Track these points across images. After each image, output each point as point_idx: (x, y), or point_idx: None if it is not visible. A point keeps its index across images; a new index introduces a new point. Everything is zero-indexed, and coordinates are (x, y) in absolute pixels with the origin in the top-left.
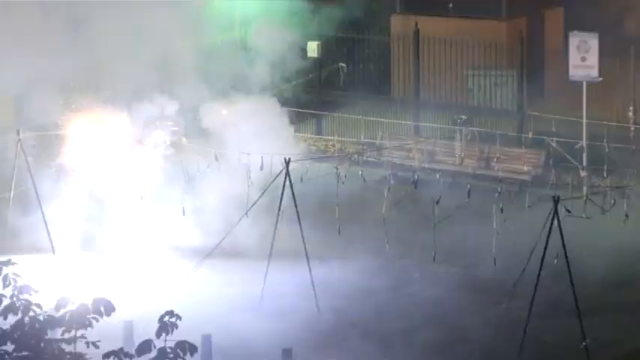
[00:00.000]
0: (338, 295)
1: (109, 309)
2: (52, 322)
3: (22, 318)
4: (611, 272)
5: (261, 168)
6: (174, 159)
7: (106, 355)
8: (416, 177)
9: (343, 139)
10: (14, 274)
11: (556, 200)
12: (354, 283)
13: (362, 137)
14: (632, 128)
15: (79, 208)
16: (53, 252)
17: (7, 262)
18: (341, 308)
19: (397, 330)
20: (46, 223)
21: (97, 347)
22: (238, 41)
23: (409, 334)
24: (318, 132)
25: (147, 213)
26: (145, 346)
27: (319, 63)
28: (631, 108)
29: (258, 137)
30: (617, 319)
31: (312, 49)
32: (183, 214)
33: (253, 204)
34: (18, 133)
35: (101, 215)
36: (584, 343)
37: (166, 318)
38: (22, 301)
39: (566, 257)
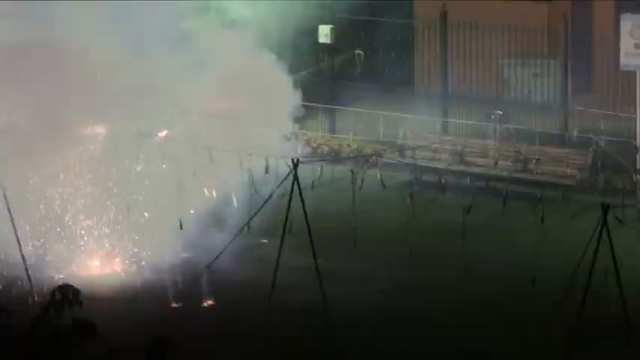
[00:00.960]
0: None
1: (92, 331)
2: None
3: None
4: None
5: (266, 171)
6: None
7: None
8: (443, 181)
9: (360, 137)
10: None
11: (605, 208)
12: (373, 304)
13: (381, 136)
14: None
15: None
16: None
17: None
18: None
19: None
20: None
21: None
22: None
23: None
24: (331, 130)
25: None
26: None
27: (332, 50)
28: None
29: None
30: None
31: (324, 33)
32: (181, 228)
33: (256, 213)
34: None
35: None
36: None
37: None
38: None
39: (617, 274)
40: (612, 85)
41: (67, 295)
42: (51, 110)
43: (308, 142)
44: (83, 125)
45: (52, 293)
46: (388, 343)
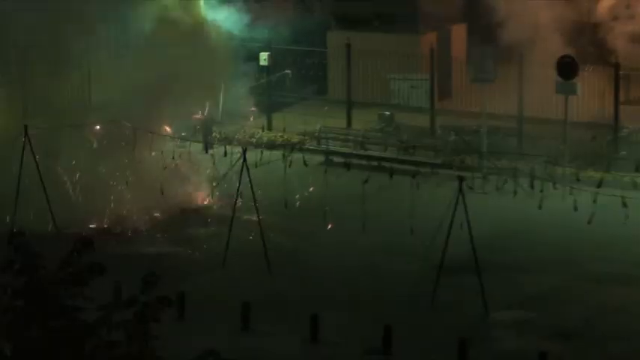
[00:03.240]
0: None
1: (102, 270)
2: (54, 281)
3: (31, 278)
4: (503, 237)
5: (225, 154)
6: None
7: (100, 308)
8: (348, 161)
9: (289, 131)
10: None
11: (461, 179)
12: (298, 246)
13: (304, 130)
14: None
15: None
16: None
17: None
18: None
19: (328, 286)
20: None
21: (92, 301)
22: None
23: (340, 285)
24: (269, 126)
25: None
26: (132, 301)
27: (269, 70)
28: None
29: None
30: (506, 275)
31: (264, 58)
32: (162, 194)
33: (216, 185)
34: (26, 130)
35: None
36: None
37: (148, 278)
38: (31, 264)
39: (469, 225)
40: (465, 93)
41: (84, 244)
42: None
43: (253, 135)
44: None
45: (75, 243)
46: (304, 272)
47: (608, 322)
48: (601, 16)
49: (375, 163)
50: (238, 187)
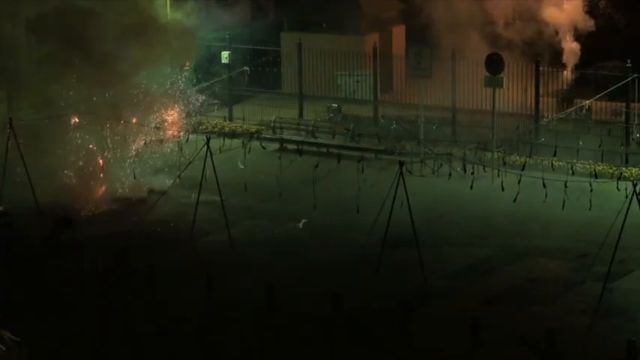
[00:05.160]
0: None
1: (80, 246)
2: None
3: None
4: (439, 214)
5: (187, 140)
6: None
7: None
8: (300, 148)
9: (248, 121)
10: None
11: (401, 164)
12: (257, 223)
13: (261, 120)
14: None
15: None
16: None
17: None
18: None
19: (284, 258)
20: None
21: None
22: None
23: (295, 258)
24: (230, 117)
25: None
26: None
27: (230, 67)
28: None
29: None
30: (442, 247)
31: (225, 57)
32: (134, 177)
33: (182, 170)
34: (10, 122)
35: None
36: None
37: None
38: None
39: (409, 204)
40: (404, 87)
41: (64, 222)
42: None
43: (216, 125)
44: None
45: (56, 221)
46: (263, 246)
47: (529, 288)
48: (499, 16)
49: (324, 150)
50: (203, 170)
